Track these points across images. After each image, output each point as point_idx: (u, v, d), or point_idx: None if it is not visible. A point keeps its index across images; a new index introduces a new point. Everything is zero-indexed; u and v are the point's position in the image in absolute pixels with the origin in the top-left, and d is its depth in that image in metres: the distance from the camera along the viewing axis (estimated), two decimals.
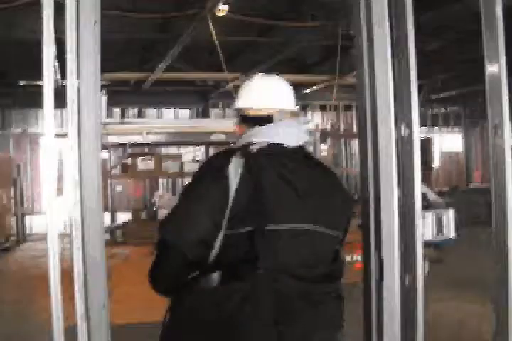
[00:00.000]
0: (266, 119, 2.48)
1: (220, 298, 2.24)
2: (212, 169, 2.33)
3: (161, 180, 19.22)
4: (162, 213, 6.04)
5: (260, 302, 2.23)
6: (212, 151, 6.98)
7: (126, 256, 6.12)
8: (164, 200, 6.32)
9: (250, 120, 2.53)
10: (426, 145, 16.64)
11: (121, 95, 16.38)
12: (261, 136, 2.42)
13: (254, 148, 2.34)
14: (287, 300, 2.27)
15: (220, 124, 6.35)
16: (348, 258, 7.22)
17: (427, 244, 6.07)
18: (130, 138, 5.87)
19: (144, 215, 6.20)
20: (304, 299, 2.31)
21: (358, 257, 7.13)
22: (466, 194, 16.15)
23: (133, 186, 18.62)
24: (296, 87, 16.47)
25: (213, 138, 5.91)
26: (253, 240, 2.22)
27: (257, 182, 2.25)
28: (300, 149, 2.48)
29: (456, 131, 22.88)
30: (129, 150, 7.81)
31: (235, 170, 2.24)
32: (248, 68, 13.58)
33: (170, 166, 6.22)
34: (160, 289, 2.41)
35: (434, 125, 22.10)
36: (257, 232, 2.23)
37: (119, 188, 16.65)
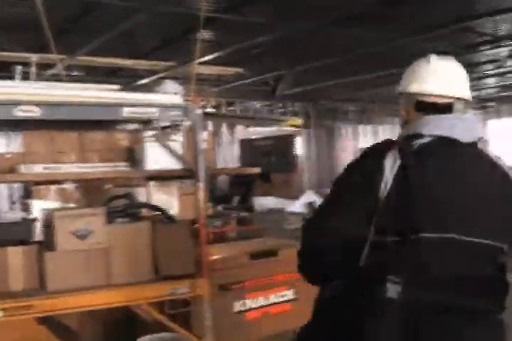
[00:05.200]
0: (444, 108, 2.25)
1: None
2: (364, 167, 2.14)
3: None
4: None
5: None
6: (21, 138, 4.15)
7: None
8: None
9: (426, 108, 2.27)
10: (288, 142, 14.65)
11: None
12: (432, 127, 2.19)
13: (417, 143, 2.13)
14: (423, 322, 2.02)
15: (35, 90, 3.60)
16: (237, 306, 4.79)
17: None
18: None
19: None
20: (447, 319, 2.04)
21: (250, 303, 4.86)
22: None
23: None
24: (131, 77, 14.18)
25: (19, 113, 3.20)
26: (398, 250, 2.05)
27: (412, 186, 2.04)
28: (474, 146, 2.21)
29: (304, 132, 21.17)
30: None
31: (389, 171, 2.05)
32: (72, 49, 10.85)
33: None
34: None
35: None
36: (402, 242, 2.04)
37: None
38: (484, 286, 2.13)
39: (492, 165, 2.22)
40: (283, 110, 20.21)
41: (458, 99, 2.27)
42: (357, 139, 22.85)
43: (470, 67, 13.74)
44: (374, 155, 2.12)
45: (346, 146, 23.19)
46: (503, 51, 11.54)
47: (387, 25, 9.55)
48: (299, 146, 18.11)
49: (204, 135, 4.20)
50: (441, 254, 2.06)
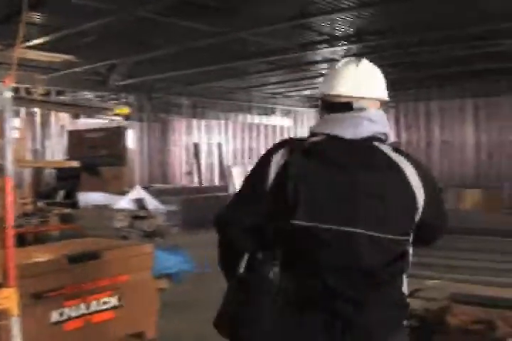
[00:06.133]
0: (343, 107, 2.44)
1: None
2: (262, 160, 2.43)
3: None
4: None
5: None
6: None
7: None
8: None
9: (328, 107, 2.51)
10: (119, 135, 13.97)
11: None
12: (323, 126, 2.44)
13: (309, 141, 2.38)
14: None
15: None
16: (54, 316, 4.26)
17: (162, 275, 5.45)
18: None
19: None
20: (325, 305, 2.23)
21: (70, 312, 4.36)
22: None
23: None
24: None
25: None
26: (278, 235, 2.31)
27: (288, 180, 2.27)
28: (362, 142, 2.36)
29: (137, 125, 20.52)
30: None
31: (274, 167, 2.34)
32: None
33: None
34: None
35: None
36: (281, 229, 2.28)
37: None
38: (369, 277, 2.26)
39: (381, 161, 2.35)
40: (116, 102, 19.48)
41: (358, 97, 2.45)
42: (190, 134, 22.60)
43: (306, 65, 13.82)
44: (269, 152, 2.42)
45: (179, 141, 22.85)
46: (339, 51, 11.64)
47: (222, 18, 9.26)
48: (131, 139, 17.52)
49: (16, 123, 3.62)
50: (317, 243, 2.25)
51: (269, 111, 21.09)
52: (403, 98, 17.86)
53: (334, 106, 2.45)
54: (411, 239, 2.40)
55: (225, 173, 21.85)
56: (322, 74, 15.22)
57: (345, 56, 12.15)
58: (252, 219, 2.36)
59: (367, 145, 2.36)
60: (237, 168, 21.49)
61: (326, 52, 11.77)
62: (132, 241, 6.87)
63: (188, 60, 12.79)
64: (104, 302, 4.59)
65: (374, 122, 2.41)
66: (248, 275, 2.35)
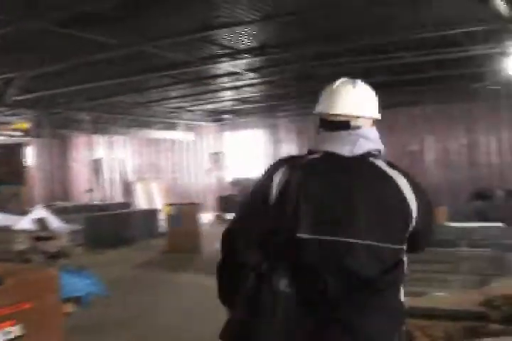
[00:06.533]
0: (341, 126, 2.59)
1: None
2: (264, 179, 2.57)
3: None
4: None
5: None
6: None
7: None
8: None
9: (326, 126, 2.65)
10: (17, 152, 13.44)
11: None
12: (321, 144, 2.58)
13: (308, 158, 2.54)
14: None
15: None
16: None
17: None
18: None
19: None
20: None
21: None
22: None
23: None
24: None
25: None
26: (281, 248, 2.40)
27: (289, 196, 2.41)
28: (359, 158, 2.52)
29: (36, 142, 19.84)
30: None
31: (276, 184, 2.47)
32: None
33: None
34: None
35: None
36: (284, 242, 2.39)
37: None
38: (368, 284, 2.34)
39: (377, 175, 2.50)
40: (14, 118, 18.82)
41: (355, 117, 2.59)
42: (92, 150, 22.12)
43: (208, 79, 13.70)
44: (270, 169, 2.56)
45: (81, 157, 22.34)
46: (242, 64, 11.61)
47: (123, 30, 9.00)
48: (30, 156, 16.93)
49: None
50: (319, 253, 2.36)
51: (171, 126, 20.90)
52: (305, 111, 18.02)
53: (332, 125, 2.61)
54: (405, 247, 2.51)
55: (128, 189, 21.46)
56: (224, 89, 15.17)
57: (247, 69, 12.16)
58: (257, 233, 2.49)
59: (363, 161, 2.53)
60: (140, 183, 21.14)
61: (227, 65, 11.70)
62: (35, 264, 6.55)
63: (88, 73, 12.45)
64: (7, 332, 4.32)
65: (369, 140, 2.58)
66: (258, 287, 2.39)
